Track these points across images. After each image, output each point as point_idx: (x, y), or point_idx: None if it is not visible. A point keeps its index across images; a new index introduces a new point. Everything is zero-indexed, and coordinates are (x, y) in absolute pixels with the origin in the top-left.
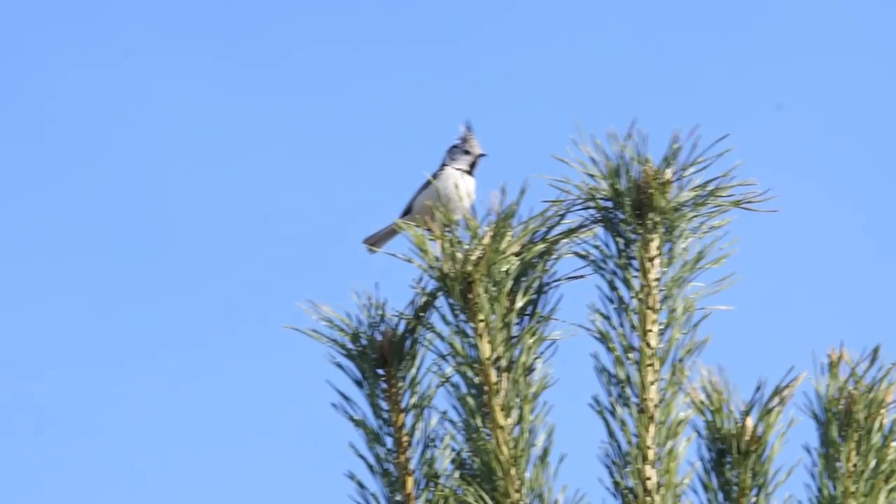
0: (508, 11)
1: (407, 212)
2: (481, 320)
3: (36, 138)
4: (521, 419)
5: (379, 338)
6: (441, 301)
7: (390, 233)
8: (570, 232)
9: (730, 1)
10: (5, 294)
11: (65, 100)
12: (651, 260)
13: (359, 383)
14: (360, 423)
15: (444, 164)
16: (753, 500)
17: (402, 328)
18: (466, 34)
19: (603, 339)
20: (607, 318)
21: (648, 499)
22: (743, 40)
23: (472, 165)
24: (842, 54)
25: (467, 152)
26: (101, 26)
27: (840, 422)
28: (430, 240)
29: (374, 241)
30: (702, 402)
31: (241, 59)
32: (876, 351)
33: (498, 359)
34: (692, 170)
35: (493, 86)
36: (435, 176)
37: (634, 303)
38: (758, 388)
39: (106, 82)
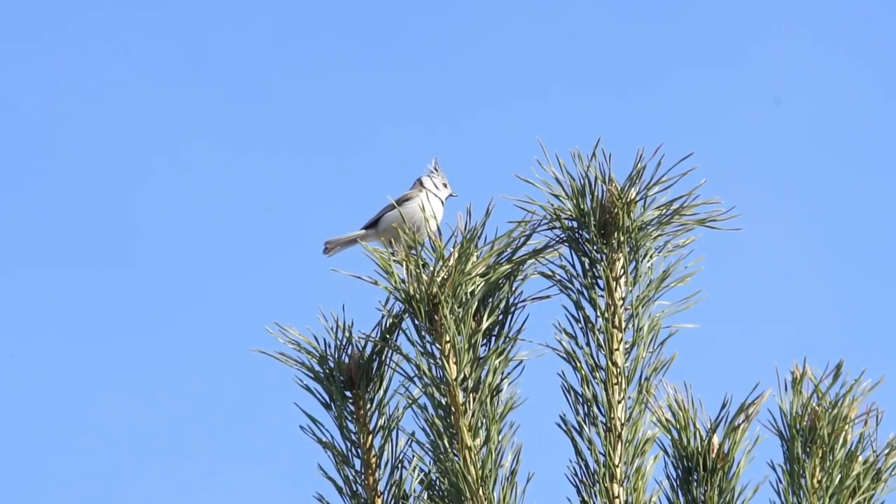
0: (479, 27)
1: (372, 224)
2: (447, 342)
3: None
4: (488, 439)
5: (346, 360)
6: (407, 323)
7: (350, 241)
8: (536, 252)
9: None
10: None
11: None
12: (616, 279)
13: (327, 406)
14: (328, 446)
15: (413, 187)
16: None
17: (369, 350)
18: (437, 51)
19: (569, 358)
20: (573, 337)
21: None
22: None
23: (435, 201)
24: (812, 66)
25: (445, 185)
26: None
27: (804, 438)
28: (396, 262)
29: (334, 245)
30: (668, 421)
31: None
32: (839, 367)
33: (465, 379)
34: (656, 189)
35: (461, 105)
36: (403, 198)
37: (600, 322)
38: (723, 406)
39: (94, 83)
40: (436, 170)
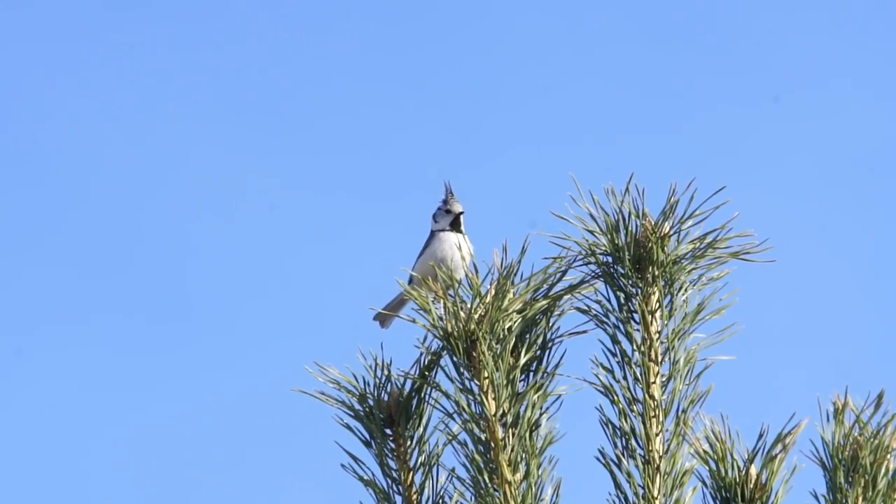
0: (508, 64)
1: (411, 280)
2: (486, 378)
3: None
4: (528, 474)
5: (386, 398)
6: (446, 360)
7: (400, 303)
8: (572, 288)
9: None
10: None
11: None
12: (652, 313)
13: (367, 443)
14: (369, 483)
15: (433, 230)
16: None
17: (408, 388)
18: (465, 87)
19: (607, 392)
20: (610, 371)
21: None
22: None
23: (455, 223)
24: (837, 64)
25: (448, 212)
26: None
27: (847, 468)
28: (434, 301)
29: (385, 317)
30: (706, 452)
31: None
32: (880, 397)
33: (504, 415)
34: (690, 223)
35: (493, 143)
36: (428, 241)
37: (637, 356)
38: (760, 436)
39: (96, 102)
40: (448, 191)
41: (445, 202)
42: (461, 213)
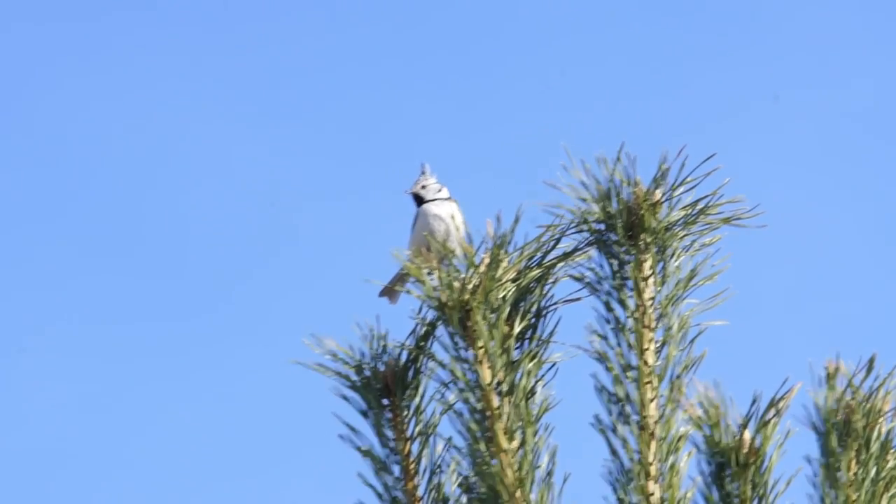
0: (500, 28)
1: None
2: (480, 347)
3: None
4: (524, 442)
5: (382, 369)
6: (441, 330)
7: (402, 277)
8: (565, 256)
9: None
10: None
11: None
12: (645, 279)
13: (364, 414)
14: (367, 453)
15: (418, 204)
16: None
17: (404, 358)
18: (457, 59)
19: (601, 359)
20: (605, 338)
21: None
22: (735, 37)
23: (417, 200)
24: (840, 50)
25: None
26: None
27: (839, 432)
28: (429, 271)
29: (390, 292)
30: (699, 418)
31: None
32: (872, 360)
33: (499, 384)
34: (681, 189)
35: (486, 111)
36: (416, 218)
37: (630, 322)
38: (754, 402)
39: (108, 86)
40: (422, 171)
41: (423, 184)
42: (412, 192)
